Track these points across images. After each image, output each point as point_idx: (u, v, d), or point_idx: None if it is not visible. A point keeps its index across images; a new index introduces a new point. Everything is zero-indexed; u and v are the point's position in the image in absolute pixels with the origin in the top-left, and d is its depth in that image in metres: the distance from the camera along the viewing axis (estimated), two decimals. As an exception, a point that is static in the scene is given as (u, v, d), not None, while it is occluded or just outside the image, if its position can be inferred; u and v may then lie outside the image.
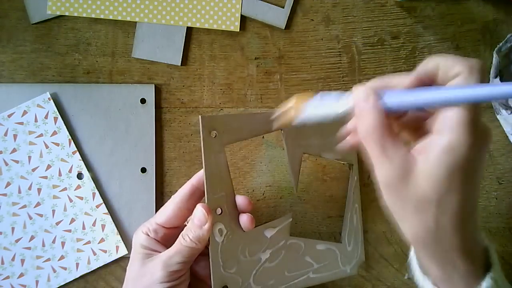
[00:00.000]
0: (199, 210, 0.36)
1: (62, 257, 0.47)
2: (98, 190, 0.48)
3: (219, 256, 0.37)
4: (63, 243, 0.47)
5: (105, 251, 0.47)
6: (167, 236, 0.39)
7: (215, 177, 0.37)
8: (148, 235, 0.38)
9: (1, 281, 0.46)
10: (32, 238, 0.47)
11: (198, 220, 0.36)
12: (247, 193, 0.50)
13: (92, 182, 0.48)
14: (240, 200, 0.38)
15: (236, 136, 0.39)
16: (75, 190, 0.47)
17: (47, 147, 0.47)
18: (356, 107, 0.29)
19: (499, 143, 0.52)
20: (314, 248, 0.42)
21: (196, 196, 0.39)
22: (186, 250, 0.36)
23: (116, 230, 0.48)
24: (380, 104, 0.28)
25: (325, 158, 0.48)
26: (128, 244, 0.48)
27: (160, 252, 0.37)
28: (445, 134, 0.26)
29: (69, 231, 0.47)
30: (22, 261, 0.47)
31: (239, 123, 0.39)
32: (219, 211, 0.37)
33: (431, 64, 0.28)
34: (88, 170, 0.48)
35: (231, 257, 0.38)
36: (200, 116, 0.37)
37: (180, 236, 0.37)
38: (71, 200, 0.47)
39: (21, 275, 0.47)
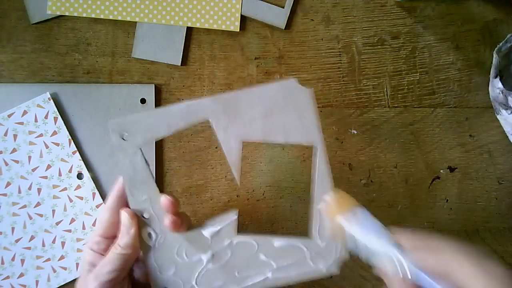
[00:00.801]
0: (123, 216, 0.35)
1: (62, 257, 0.47)
2: (98, 190, 0.48)
3: (153, 259, 0.36)
4: (63, 243, 0.47)
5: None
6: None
7: (134, 181, 0.36)
8: (93, 250, 0.36)
9: (1, 281, 0.46)
10: (32, 238, 0.47)
11: (124, 226, 0.35)
12: (247, 193, 0.50)
13: (92, 182, 0.48)
14: (161, 201, 0.36)
15: (152, 134, 0.36)
16: (75, 190, 0.47)
17: (47, 147, 0.47)
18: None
19: (499, 143, 0.52)
20: (270, 245, 0.38)
21: (126, 201, 0.37)
22: (116, 258, 0.34)
23: (116, 230, 0.48)
24: None
25: (276, 145, 0.44)
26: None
27: None
28: None
29: (69, 231, 0.47)
30: (22, 261, 0.47)
31: (152, 121, 0.36)
32: (147, 215, 0.36)
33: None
34: (88, 170, 0.48)
35: (167, 260, 0.36)
36: (107, 122, 0.36)
37: (112, 244, 0.36)
38: (71, 200, 0.47)
39: (21, 275, 0.47)
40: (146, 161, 0.36)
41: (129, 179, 0.36)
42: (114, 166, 0.48)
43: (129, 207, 0.36)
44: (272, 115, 0.37)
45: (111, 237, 0.36)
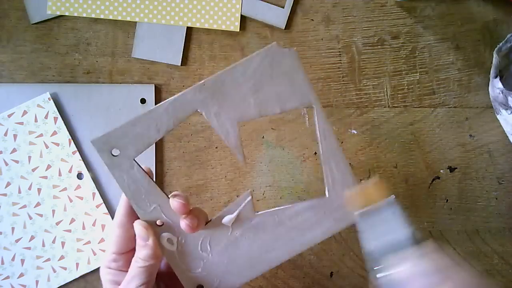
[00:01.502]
0: (138, 228, 0.34)
1: (62, 257, 0.47)
2: (98, 190, 0.48)
3: (180, 262, 0.35)
4: (63, 243, 0.47)
5: (105, 251, 0.47)
6: (129, 261, 0.36)
7: (138, 194, 0.34)
8: (110, 268, 0.36)
9: (1, 281, 0.46)
10: (32, 238, 0.47)
11: (140, 238, 0.34)
12: (247, 193, 0.50)
13: (92, 182, 0.48)
14: (172, 205, 0.34)
15: (143, 141, 0.34)
16: (75, 190, 0.47)
17: (47, 147, 0.47)
18: None
19: (499, 143, 0.52)
20: (289, 213, 0.37)
21: (135, 213, 0.37)
22: (141, 271, 0.34)
23: (116, 230, 0.48)
24: None
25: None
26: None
27: None
28: None
29: (69, 231, 0.47)
30: (22, 261, 0.47)
31: (139, 129, 0.34)
32: (159, 222, 0.35)
33: None
34: (88, 170, 0.48)
35: (193, 258, 0.36)
36: (90, 141, 0.33)
37: (133, 259, 0.35)
38: (71, 200, 0.47)
39: (21, 275, 0.47)
40: (144, 171, 0.34)
41: (131, 194, 0.34)
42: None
43: (138, 219, 0.35)
44: (262, 87, 0.35)
45: (127, 252, 0.36)
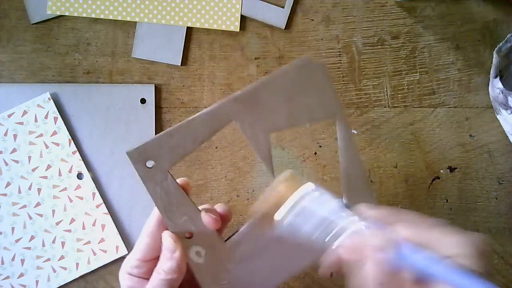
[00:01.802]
0: (166, 240, 0.34)
1: (62, 257, 0.47)
2: (98, 190, 0.48)
3: (206, 275, 0.35)
4: (63, 243, 0.47)
5: (105, 251, 0.47)
6: (152, 269, 0.36)
7: (169, 206, 0.34)
8: (131, 275, 0.35)
9: (1, 281, 0.46)
10: (32, 238, 0.47)
11: (167, 250, 0.33)
12: (247, 193, 0.50)
13: (92, 182, 0.48)
14: (204, 220, 0.34)
15: (178, 153, 0.34)
16: (75, 190, 0.47)
17: (47, 147, 0.47)
18: (367, 251, 0.29)
19: (499, 143, 0.52)
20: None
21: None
22: (162, 284, 0.33)
23: (116, 230, 0.48)
24: (391, 262, 0.29)
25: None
26: (128, 244, 0.48)
27: None
28: None
29: (69, 231, 0.47)
30: (22, 261, 0.47)
31: (176, 140, 0.33)
32: (188, 234, 0.34)
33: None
34: (88, 170, 0.48)
35: (220, 271, 0.35)
36: (126, 153, 0.32)
37: (155, 270, 0.34)
38: (71, 200, 0.47)
39: (21, 275, 0.47)
40: (177, 183, 0.34)
41: (163, 207, 0.34)
42: (114, 166, 0.48)
43: (167, 230, 0.34)
44: (294, 99, 0.35)
45: (151, 260, 0.35)
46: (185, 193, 0.34)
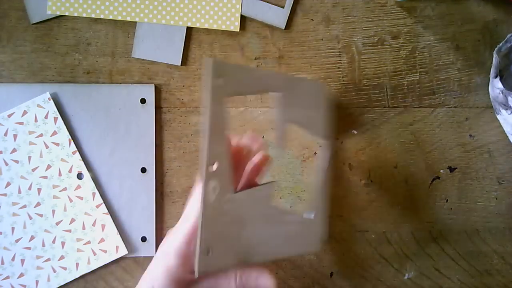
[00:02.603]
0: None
1: (62, 257, 0.47)
2: (98, 190, 0.48)
3: (208, 216, 0.34)
4: (63, 243, 0.47)
5: (105, 251, 0.47)
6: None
7: (218, 129, 0.34)
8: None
9: (1, 281, 0.46)
10: (32, 238, 0.47)
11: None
12: (247, 193, 0.50)
13: (92, 182, 0.48)
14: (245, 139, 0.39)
15: (241, 88, 0.36)
16: (75, 190, 0.47)
17: (47, 147, 0.47)
18: None
19: (499, 143, 0.52)
20: (285, 220, 0.39)
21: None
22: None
23: (116, 230, 0.48)
24: None
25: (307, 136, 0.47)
26: (128, 244, 0.48)
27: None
28: None
29: (69, 231, 0.47)
30: (22, 261, 0.47)
31: (247, 76, 0.36)
32: (214, 167, 0.34)
33: None
34: (88, 170, 0.48)
35: (220, 222, 0.35)
36: (211, 59, 0.33)
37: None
38: (71, 200, 0.47)
39: (21, 275, 0.47)
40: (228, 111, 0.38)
41: (215, 126, 0.34)
42: (114, 166, 0.48)
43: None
44: (310, 109, 0.41)
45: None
46: (229, 129, 0.35)
